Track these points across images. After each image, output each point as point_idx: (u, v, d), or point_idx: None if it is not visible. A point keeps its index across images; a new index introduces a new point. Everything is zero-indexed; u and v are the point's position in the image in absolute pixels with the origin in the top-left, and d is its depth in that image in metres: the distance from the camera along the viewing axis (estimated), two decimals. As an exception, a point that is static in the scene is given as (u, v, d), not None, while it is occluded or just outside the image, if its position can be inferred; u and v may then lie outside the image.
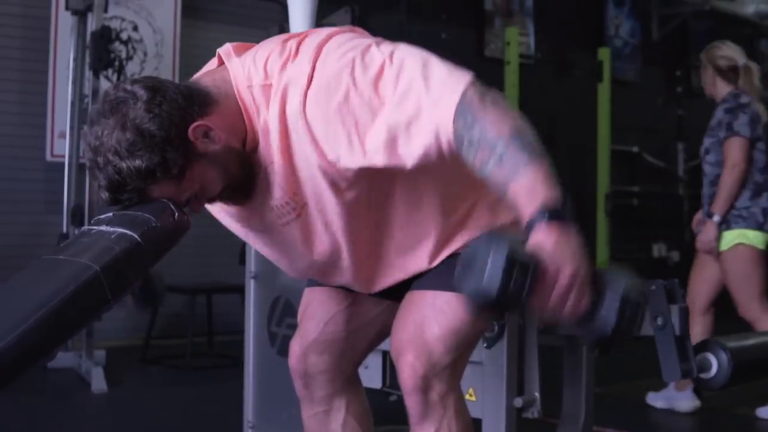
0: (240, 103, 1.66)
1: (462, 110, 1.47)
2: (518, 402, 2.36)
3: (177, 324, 5.68)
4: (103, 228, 1.61)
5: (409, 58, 1.57)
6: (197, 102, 1.62)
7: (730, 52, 4.11)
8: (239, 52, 1.71)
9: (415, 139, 1.52)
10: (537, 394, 2.39)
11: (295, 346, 2.06)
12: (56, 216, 5.41)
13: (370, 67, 1.56)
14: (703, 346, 2.18)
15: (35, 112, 5.69)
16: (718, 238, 3.93)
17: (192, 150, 1.60)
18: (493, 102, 1.48)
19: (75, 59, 5.28)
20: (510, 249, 1.30)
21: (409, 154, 1.54)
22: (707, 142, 4.05)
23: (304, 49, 1.64)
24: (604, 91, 7.54)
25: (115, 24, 5.86)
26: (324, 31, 1.67)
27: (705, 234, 3.98)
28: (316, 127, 1.58)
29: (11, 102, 5.67)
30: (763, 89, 4.11)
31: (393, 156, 1.55)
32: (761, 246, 3.95)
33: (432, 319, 1.80)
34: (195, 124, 1.59)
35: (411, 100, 1.52)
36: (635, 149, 8.54)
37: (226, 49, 1.73)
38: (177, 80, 1.66)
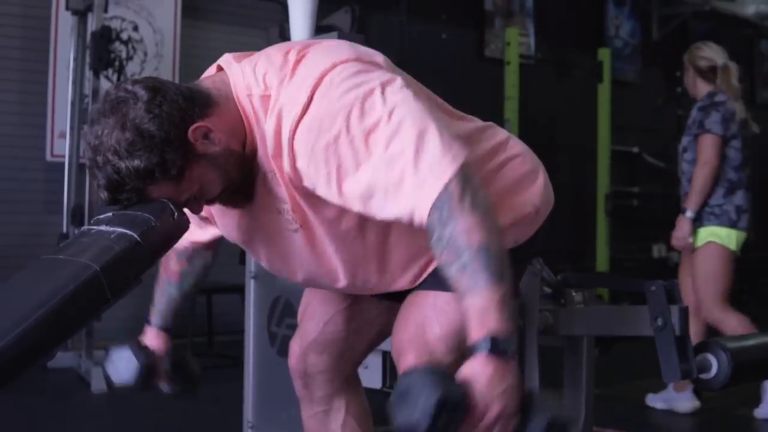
0: (240, 108, 1.65)
1: (440, 203, 1.46)
2: (518, 402, 2.35)
3: (176, 324, 5.68)
4: (103, 228, 1.61)
5: (408, 120, 1.52)
6: (198, 103, 1.62)
7: (709, 52, 4.14)
8: (239, 60, 1.71)
9: (390, 206, 1.53)
10: (537, 394, 2.39)
11: (295, 346, 2.07)
12: (56, 216, 5.41)
13: (367, 116, 1.53)
14: (703, 347, 2.17)
15: (35, 112, 5.70)
16: (693, 234, 4.01)
17: (191, 151, 1.59)
18: (472, 202, 1.47)
19: (75, 59, 5.28)
20: (443, 390, 1.36)
21: (380, 214, 1.56)
22: (684, 140, 4.13)
23: (304, 70, 1.60)
24: (604, 91, 7.54)
25: (115, 24, 5.86)
26: (328, 55, 1.62)
27: (678, 230, 4.06)
28: (300, 158, 1.57)
29: (11, 102, 5.67)
30: (742, 88, 4.15)
31: (366, 208, 1.56)
32: (733, 246, 4.00)
33: (433, 319, 1.80)
34: (195, 125, 1.59)
35: (396, 169, 1.50)
36: (635, 149, 8.55)
37: (226, 59, 1.72)
38: (177, 80, 1.66)
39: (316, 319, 2.04)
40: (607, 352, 2.66)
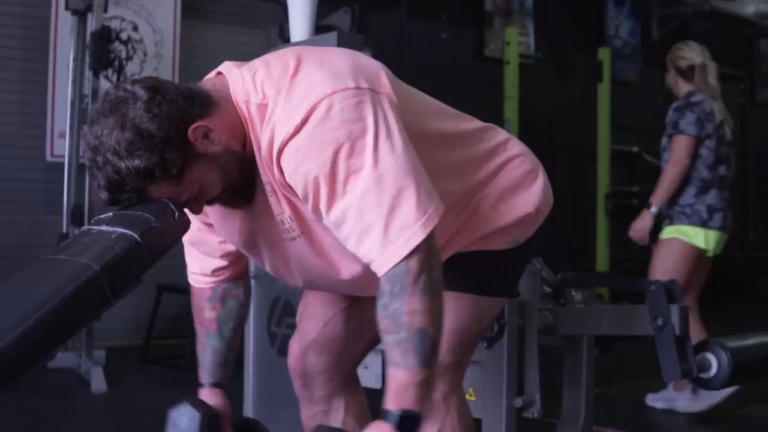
0: (239, 111, 1.65)
1: (397, 275, 1.52)
2: (518, 402, 2.36)
3: (177, 324, 5.68)
4: (103, 228, 1.61)
5: (391, 173, 1.54)
6: (198, 103, 1.61)
7: (689, 52, 4.19)
8: (239, 67, 1.70)
9: (350, 245, 1.58)
10: (537, 394, 2.40)
11: (295, 346, 2.07)
12: (56, 216, 5.41)
13: (355, 157, 1.54)
14: (703, 346, 2.18)
15: (35, 112, 5.69)
16: (654, 230, 4.08)
17: (191, 151, 1.59)
18: (425, 286, 1.53)
19: (75, 59, 5.27)
20: None
21: (343, 243, 1.60)
22: (663, 140, 4.17)
23: (303, 88, 1.58)
24: (604, 91, 7.54)
25: (114, 24, 5.85)
26: (328, 76, 1.59)
27: (639, 222, 4.13)
28: (285, 174, 1.59)
29: (11, 102, 5.66)
30: (721, 87, 4.19)
31: (333, 231, 1.61)
32: (702, 244, 4.02)
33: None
34: (195, 124, 1.59)
35: (367, 219, 1.53)
36: (635, 149, 8.54)
37: (226, 65, 1.72)
38: (177, 80, 1.66)
39: (315, 319, 2.04)
40: (607, 352, 2.67)
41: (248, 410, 3.14)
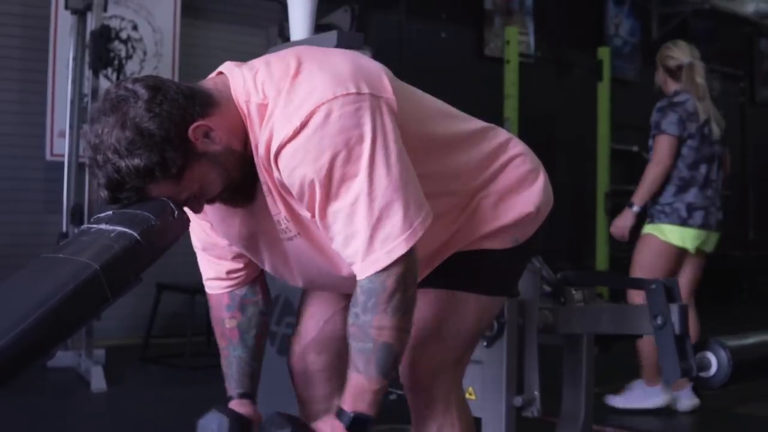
0: (239, 110, 1.65)
1: (372, 290, 1.59)
2: (518, 401, 2.36)
3: (176, 323, 5.68)
4: (103, 226, 1.61)
5: (383, 183, 1.57)
6: (199, 102, 1.61)
7: (677, 52, 4.22)
8: (240, 67, 1.71)
9: (335, 245, 1.63)
10: (537, 393, 2.40)
11: (294, 345, 2.06)
12: (56, 215, 5.41)
13: (351, 164, 1.56)
14: (703, 345, 2.18)
15: (35, 111, 5.69)
16: (636, 228, 4.15)
17: (192, 150, 1.59)
18: (397, 305, 1.60)
19: (75, 58, 5.27)
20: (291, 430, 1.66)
21: (330, 241, 1.64)
22: (650, 141, 4.21)
23: (304, 90, 1.59)
24: (603, 90, 7.53)
25: (114, 23, 5.85)
26: (330, 79, 1.60)
27: (620, 219, 4.21)
28: (281, 175, 1.60)
29: (11, 101, 5.66)
30: (710, 87, 4.23)
31: (323, 230, 1.64)
32: (678, 242, 4.06)
33: (435, 317, 1.81)
34: (195, 124, 1.59)
35: (355, 225, 1.58)
36: (635, 148, 8.54)
37: (227, 65, 1.72)
38: (176, 80, 1.65)
39: (315, 318, 2.04)
40: (607, 351, 2.67)
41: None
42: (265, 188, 1.67)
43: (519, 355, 2.39)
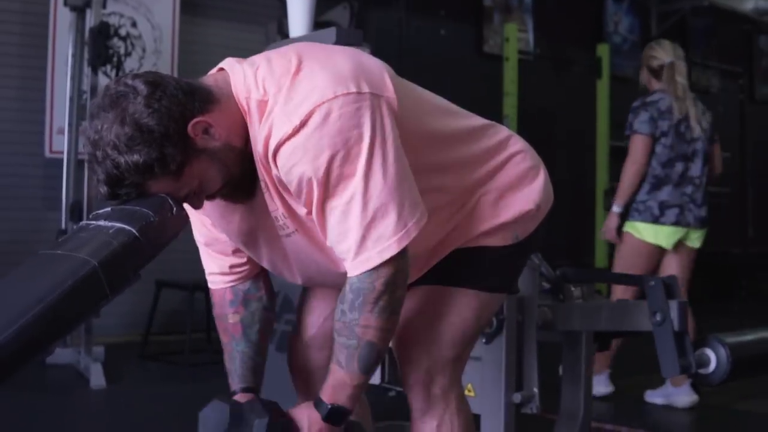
0: (240, 106, 1.65)
1: (360, 290, 1.60)
2: (517, 397, 2.36)
3: (175, 320, 5.68)
4: (102, 223, 1.60)
5: (379, 184, 1.57)
6: (198, 98, 1.61)
7: (660, 52, 4.28)
8: (241, 63, 1.70)
9: (329, 241, 1.64)
10: (536, 390, 2.40)
11: (295, 342, 2.06)
12: (55, 212, 5.41)
13: (348, 163, 1.56)
14: (702, 342, 2.18)
15: (34, 108, 5.69)
16: (619, 228, 4.22)
17: (191, 146, 1.59)
18: (384, 306, 1.61)
19: (74, 55, 5.27)
20: (269, 417, 1.69)
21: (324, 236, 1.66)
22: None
23: (305, 88, 1.58)
24: (603, 87, 7.53)
25: (113, 20, 5.85)
26: (331, 77, 1.59)
27: (606, 222, 4.32)
28: (281, 170, 1.60)
29: (10, 98, 5.66)
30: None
31: (318, 226, 1.65)
32: (651, 239, 4.12)
33: (434, 314, 1.81)
34: (195, 120, 1.59)
35: (349, 222, 1.58)
36: (634, 146, 8.53)
37: (228, 61, 1.72)
38: (176, 76, 1.65)
39: (315, 314, 2.04)
40: (606, 348, 2.67)
41: (247, 406, 3.14)
42: (263, 185, 1.67)
43: (518, 352, 2.39)
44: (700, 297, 4.27)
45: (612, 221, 4.24)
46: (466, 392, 2.33)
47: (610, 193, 7.53)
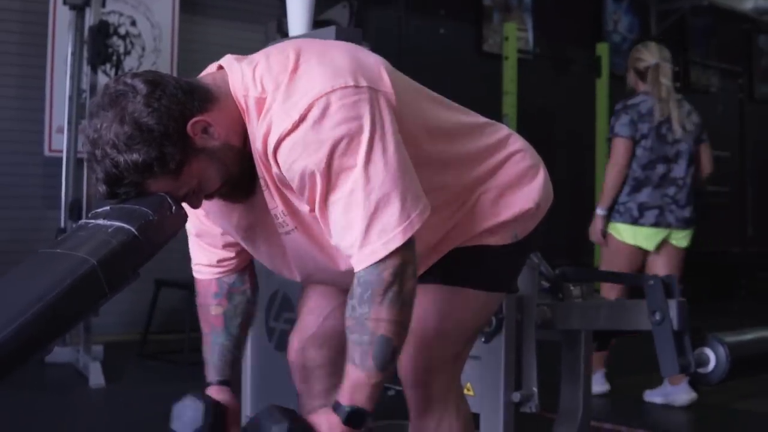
0: (238, 105, 1.65)
1: (369, 282, 1.57)
2: (516, 397, 2.36)
3: (175, 319, 5.68)
4: (101, 221, 1.60)
5: (381, 174, 1.56)
6: (197, 98, 1.61)
7: (646, 54, 4.32)
8: (240, 61, 1.70)
9: (333, 237, 1.62)
10: (535, 389, 2.40)
11: (294, 340, 2.07)
12: (54, 211, 5.41)
13: (348, 155, 1.56)
14: (701, 341, 2.17)
15: (33, 107, 5.69)
16: (604, 230, 4.27)
17: (190, 145, 1.59)
18: (394, 297, 1.57)
19: (73, 54, 5.27)
20: (288, 424, 1.62)
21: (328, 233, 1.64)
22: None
23: (303, 84, 1.59)
24: (602, 86, 7.53)
25: (113, 19, 5.85)
26: (328, 73, 1.60)
27: (592, 225, 4.33)
28: (282, 167, 1.60)
29: (9, 97, 5.66)
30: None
31: (320, 221, 1.64)
32: (631, 240, 4.17)
33: (434, 313, 1.81)
34: (194, 119, 1.59)
35: (351, 215, 1.57)
36: (633, 145, 8.53)
37: (227, 59, 1.72)
38: (175, 75, 1.65)
39: (315, 313, 2.04)
40: (605, 347, 2.67)
41: (246, 406, 3.14)
42: (262, 182, 1.67)
43: (517, 351, 2.39)
44: (700, 296, 4.26)
45: (597, 223, 4.27)
46: (465, 391, 2.33)
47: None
